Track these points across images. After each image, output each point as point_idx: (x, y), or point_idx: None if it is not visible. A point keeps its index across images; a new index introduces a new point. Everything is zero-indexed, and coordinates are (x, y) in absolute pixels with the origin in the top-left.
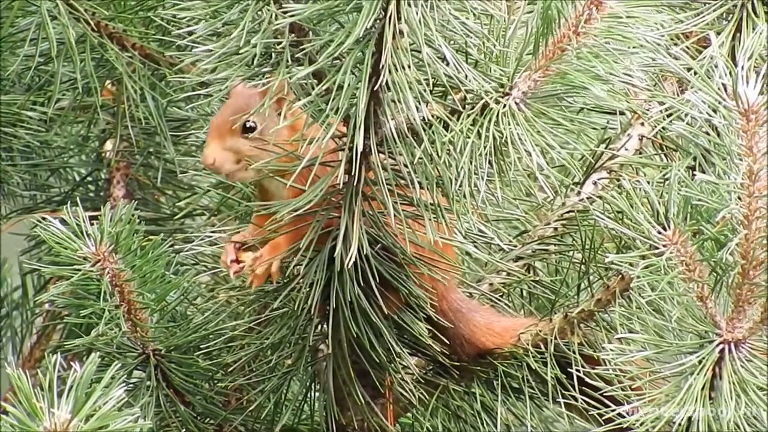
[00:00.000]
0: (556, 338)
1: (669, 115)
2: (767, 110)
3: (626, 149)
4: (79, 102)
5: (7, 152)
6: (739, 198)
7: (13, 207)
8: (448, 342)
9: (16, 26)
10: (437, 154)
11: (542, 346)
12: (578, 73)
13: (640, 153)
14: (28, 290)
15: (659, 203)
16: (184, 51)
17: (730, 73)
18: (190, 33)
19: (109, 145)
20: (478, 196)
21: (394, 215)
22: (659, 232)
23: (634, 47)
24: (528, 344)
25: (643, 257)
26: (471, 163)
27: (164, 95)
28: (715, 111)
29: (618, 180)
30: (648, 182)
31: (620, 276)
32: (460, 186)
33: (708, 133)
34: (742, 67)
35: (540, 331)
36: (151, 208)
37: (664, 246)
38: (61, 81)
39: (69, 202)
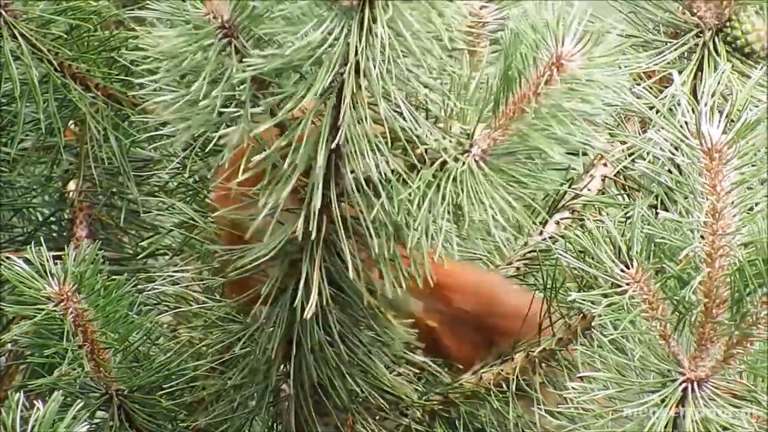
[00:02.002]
0: (517, 377)
1: (631, 155)
2: (731, 149)
3: (589, 189)
4: (42, 142)
5: None
6: (702, 236)
7: None
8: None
9: None
10: (395, 210)
11: (504, 386)
12: (536, 134)
13: (603, 193)
14: None
15: (622, 242)
16: (147, 91)
17: (693, 111)
18: (152, 73)
19: (72, 185)
20: (436, 245)
21: (353, 264)
22: (622, 270)
23: (595, 109)
24: (490, 383)
25: (606, 295)
26: (429, 217)
27: (127, 135)
28: (677, 149)
29: (581, 219)
30: (611, 221)
31: (582, 315)
32: (418, 239)
33: (671, 172)
34: (706, 104)
35: (502, 370)
36: (113, 248)
37: (627, 284)
38: (24, 121)
39: (33, 241)
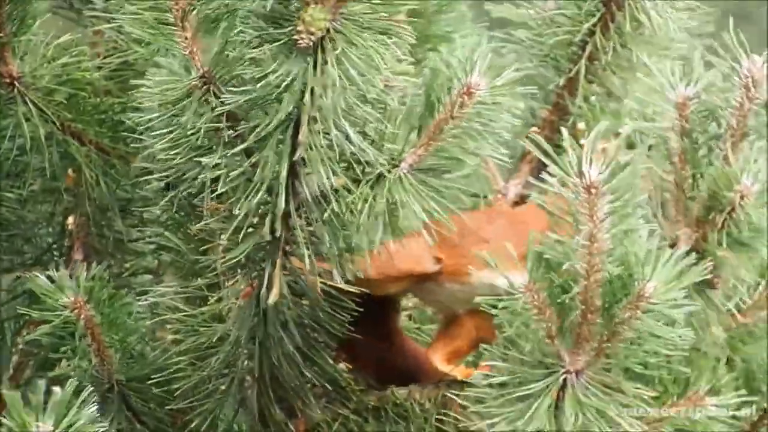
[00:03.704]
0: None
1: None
2: (605, 186)
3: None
4: (47, 185)
5: None
6: (581, 255)
7: None
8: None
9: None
10: (342, 214)
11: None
12: (454, 149)
13: None
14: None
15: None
16: (133, 143)
17: (576, 154)
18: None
19: (71, 219)
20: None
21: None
22: (519, 282)
23: (498, 128)
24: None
25: (504, 300)
26: (369, 220)
27: (114, 180)
28: (564, 185)
29: None
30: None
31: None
32: (360, 240)
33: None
34: (586, 152)
35: None
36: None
37: (522, 292)
38: (33, 168)
39: (39, 264)
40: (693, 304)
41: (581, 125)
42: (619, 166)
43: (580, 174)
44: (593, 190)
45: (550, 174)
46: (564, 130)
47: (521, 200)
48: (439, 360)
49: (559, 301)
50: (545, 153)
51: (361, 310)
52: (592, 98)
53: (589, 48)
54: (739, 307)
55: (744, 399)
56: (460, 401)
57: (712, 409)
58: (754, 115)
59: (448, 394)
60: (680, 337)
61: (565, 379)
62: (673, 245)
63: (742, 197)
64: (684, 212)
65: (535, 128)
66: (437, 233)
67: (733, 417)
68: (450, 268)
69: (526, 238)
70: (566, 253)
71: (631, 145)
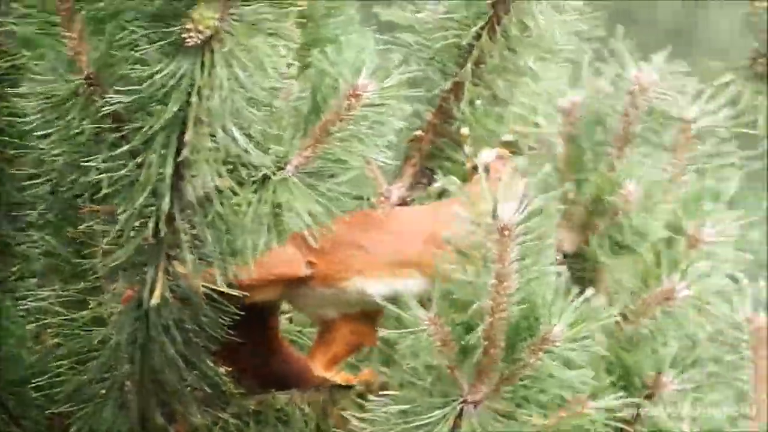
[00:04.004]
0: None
1: (404, 198)
2: (518, 228)
3: None
4: None
5: None
6: (489, 294)
7: None
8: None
9: None
10: (226, 216)
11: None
12: (341, 151)
13: None
14: None
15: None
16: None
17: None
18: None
19: None
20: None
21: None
22: (424, 314)
23: (385, 131)
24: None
25: (411, 332)
26: (254, 222)
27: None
28: (479, 225)
29: None
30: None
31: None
32: (245, 242)
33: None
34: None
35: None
36: None
37: (427, 325)
38: None
39: None
40: (597, 348)
41: (464, 130)
42: (534, 210)
43: (494, 215)
44: (506, 232)
45: (460, 213)
46: (482, 172)
47: (404, 203)
48: (318, 367)
49: (462, 341)
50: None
51: (242, 314)
52: (477, 102)
53: (475, 51)
54: (624, 314)
55: (623, 401)
56: (342, 413)
57: (593, 412)
58: (640, 121)
59: (333, 407)
60: (579, 380)
61: (462, 408)
62: (558, 250)
63: (625, 202)
64: (568, 217)
65: (419, 131)
66: (312, 238)
67: (613, 418)
68: (322, 273)
69: (401, 246)
70: (474, 292)
71: (515, 152)
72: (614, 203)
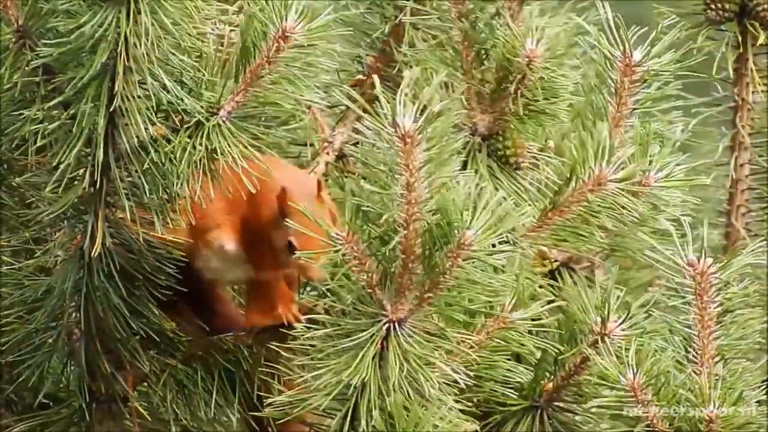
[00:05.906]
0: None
1: (347, 142)
2: (420, 135)
3: (315, 173)
4: None
5: None
6: (400, 205)
7: None
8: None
9: None
10: (161, 164)
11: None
12: (272, 94)
13: (327, 176)
14: None
15: (338, 212)
16: None
17: (390, 104)
18: None
19: None
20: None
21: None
22: (336, 234)
23: (314, 71)
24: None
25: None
26: (188, 168)
27: None
28: (380, 136)
29: None
30: (329, 194)
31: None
32: (180, 187)
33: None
34: (400, 102)
35: None
36: None
37: (341, 244)
38: None
39: None
40: (512, 250)
41: (407, 72)
42: (433, 114)
43: (395, 124)
44: (408, 140)
45: (365, 126)
46: (376, 79)
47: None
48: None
49: (378, 252)
50: (358, 104)
51: (185, 261)
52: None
53: None
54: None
55: (544, 308)
56: (284, 353)
57: (517, 322)
58: None
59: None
60: (500, 283)
61: (388, 328)
62: (473, 133)
63: (530, 61)
64: (477, 98)
65: (360, 75)
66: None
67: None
68: (198, 228)
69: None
70: (384, 204)
71: None
72: (519, 64)
